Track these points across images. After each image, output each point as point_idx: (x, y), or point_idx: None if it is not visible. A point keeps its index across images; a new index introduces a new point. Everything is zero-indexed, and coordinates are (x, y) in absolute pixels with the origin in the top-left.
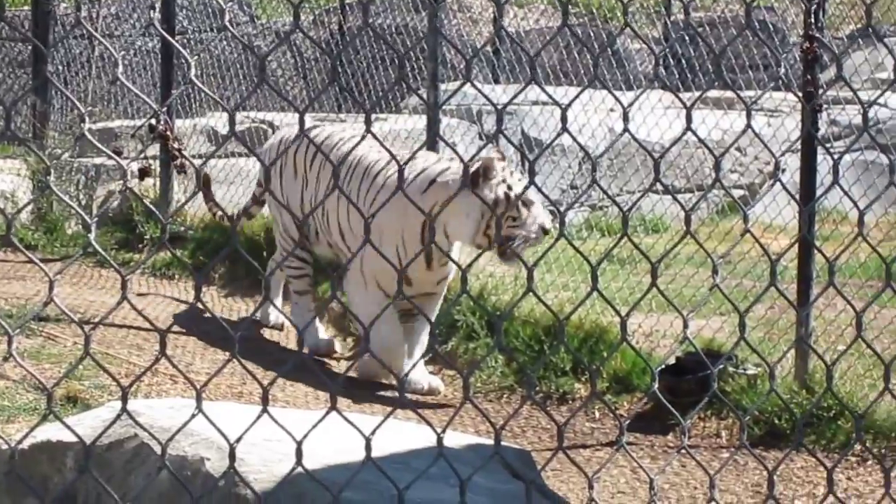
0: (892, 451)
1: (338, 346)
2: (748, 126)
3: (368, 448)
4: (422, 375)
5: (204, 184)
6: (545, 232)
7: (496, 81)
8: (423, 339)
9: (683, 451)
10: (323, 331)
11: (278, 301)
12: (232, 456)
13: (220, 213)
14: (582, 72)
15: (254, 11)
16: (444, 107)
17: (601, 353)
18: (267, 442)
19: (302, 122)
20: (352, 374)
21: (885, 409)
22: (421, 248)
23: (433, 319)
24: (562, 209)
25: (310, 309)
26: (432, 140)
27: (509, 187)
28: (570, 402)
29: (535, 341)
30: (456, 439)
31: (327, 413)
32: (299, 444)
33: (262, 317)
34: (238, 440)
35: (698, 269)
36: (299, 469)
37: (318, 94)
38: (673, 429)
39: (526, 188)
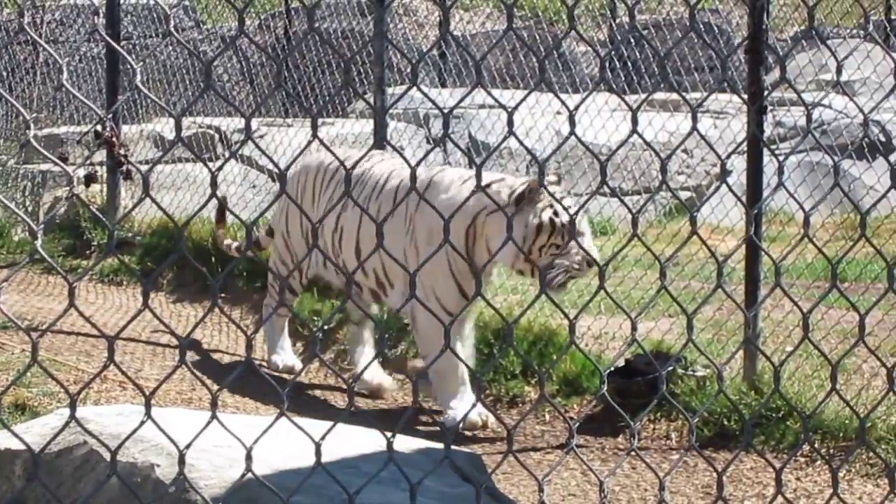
0: (840, 451)
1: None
2: (694, 128)
3: (318, 453)
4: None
5: (219, 210)
6: (589, 265)
7: (443, 85)
8: (471, 347)
9: (633, 453)
10: (289, 345)
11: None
12: (181, 462)
13: (230, 243)
14: (528, 75)
15: (199, 17)
16: (391, 111)
17: (551, 355)
18: (217, 448)
19: (248, 127)
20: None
21: (833, 410)
22: (467, 266)
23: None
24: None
25: (281, 329)
26: (379, 144)
27: (556, 213)
28: (521, 405)
29: (485, 344)
30: (406, 444)
31: (277, 418)
32: (249, 449)
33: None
34: (188, 446)
35: (647, 271)
36: (249, 474)
37: (263, 100)
38: (623, 431)
39: (574, 216)
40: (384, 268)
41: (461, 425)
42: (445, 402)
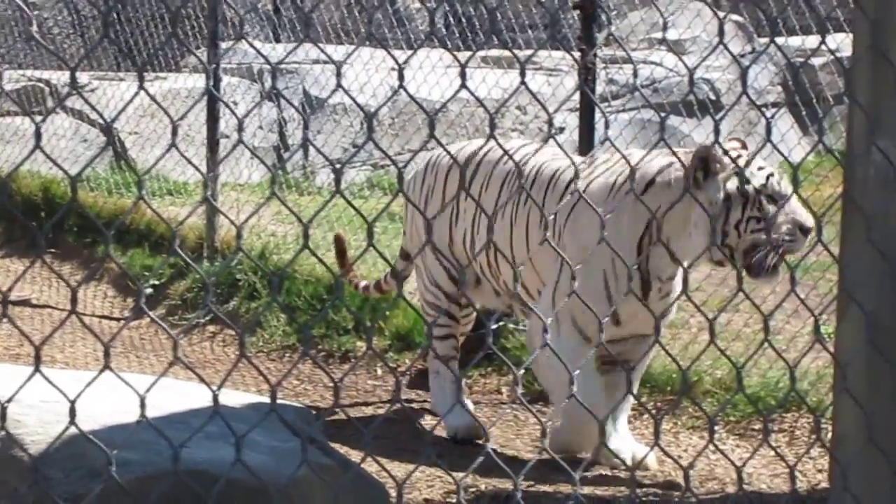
0: (666, 404)
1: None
2: (522, 83)
3: (143, 405)
4: (625, 444)
5: (338, 249)
6: (804, 232)
7: (277, 40)
8: (629, 400)
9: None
10: (471, 406)
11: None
12: (3, 416)
13: (366, 283)
14: (363, 31)
15: None
16: (224, 66)
17: (384, 311)
18: (45, 403)
19: (73, 78)
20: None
21: (661, 364)
22: (634, 274)
23: (641, 372)
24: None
25: (453, 381)
26: (211, 99)
27: (745, 181)
28: (353, 360)
29: (317, 300)
30: (236, 398)
31: (101, 372)
32: (73, 402)
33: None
34: (9, 400)
35: None
36: (75, 430)
37: (88, 51)
38: None
39: (770, 179)
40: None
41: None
42: (572, 446)
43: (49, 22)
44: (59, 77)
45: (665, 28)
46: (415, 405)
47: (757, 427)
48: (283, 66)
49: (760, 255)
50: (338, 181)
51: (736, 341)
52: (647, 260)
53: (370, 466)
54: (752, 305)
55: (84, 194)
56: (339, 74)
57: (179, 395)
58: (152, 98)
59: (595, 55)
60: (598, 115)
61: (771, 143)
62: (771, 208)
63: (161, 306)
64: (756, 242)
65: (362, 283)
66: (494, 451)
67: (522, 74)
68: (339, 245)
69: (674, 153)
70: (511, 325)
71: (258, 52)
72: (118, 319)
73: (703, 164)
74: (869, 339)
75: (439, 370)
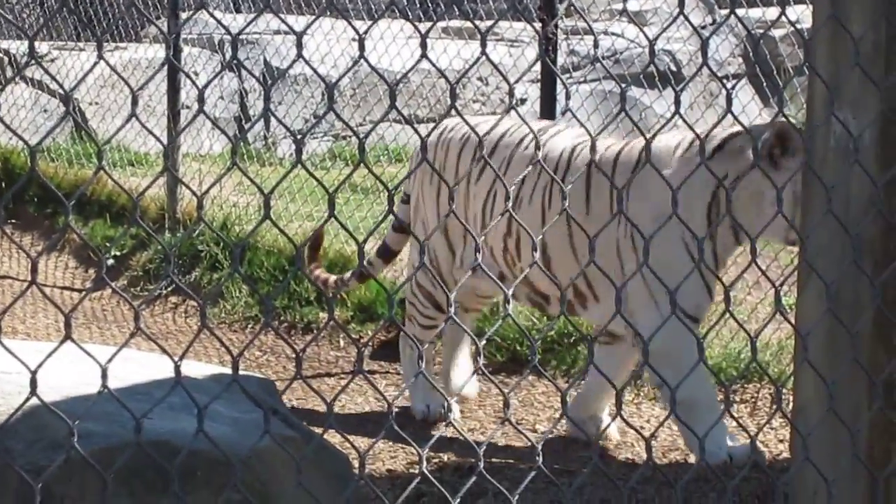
0: (631, 376)
1: (456, 409)
2: (483, 53)
3: (104, 376)
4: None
5: (313, 244)
6: None
7: (237, 11)
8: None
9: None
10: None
11: (464, 362)
12: None
13: (328, 278)
14: (323, 1)
15: None
16: (185, 36)
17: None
18: (6, 374)
19: (32, 47)
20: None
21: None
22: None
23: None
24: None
25: (420, 366)
26: (172, 70)
27: None
28: (315, 331)
29: (279, 271)
30: (199, 369)
31: (62, 342)
32: (34, 373)
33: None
34: None
35: None
36: (37, 401)
37: (46, 20)
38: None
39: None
40: (585, 275)
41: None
42: (720, 445)
43: None
44: (18, 47)
45: None
46: (377, 376)
47: (719, 398)
48: (243, 36)
49: None
50: (299, 152)
51: None
52: (716, 234)
53: (333, 438)
54: (714, 276)
55: (44, 165)
56: (299, 45)
57: (142, 366)
58: (112, 68)
59: (556, 26)
60: (559, 86)
61: (732, 115)
62: None
63: (123, 277)
64: None
65: (331, 278)
66: (457, 422)
67: (483, 45)
68: (316, 241)
69: (742, 125)
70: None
71: (219, 22)
72: (79, 290)
73: (782, 140)
74: (830, 309)
75: (409, 352)
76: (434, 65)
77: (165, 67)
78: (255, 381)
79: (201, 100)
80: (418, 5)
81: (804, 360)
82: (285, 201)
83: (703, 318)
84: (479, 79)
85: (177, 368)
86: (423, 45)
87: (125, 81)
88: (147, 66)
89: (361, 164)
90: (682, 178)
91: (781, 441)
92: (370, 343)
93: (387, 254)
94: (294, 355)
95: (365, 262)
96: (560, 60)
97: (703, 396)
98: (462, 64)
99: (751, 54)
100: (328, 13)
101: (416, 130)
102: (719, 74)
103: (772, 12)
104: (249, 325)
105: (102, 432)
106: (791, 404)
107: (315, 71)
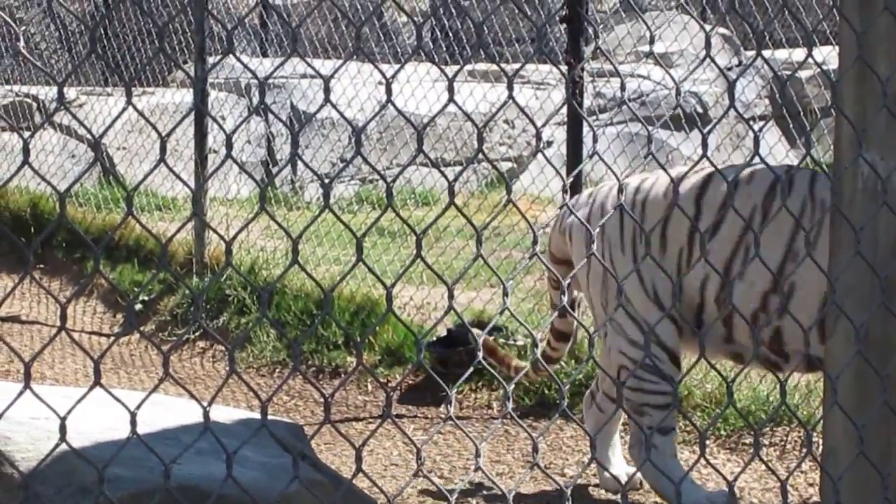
0: None
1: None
2: (510, 97)
3: (133, 422)
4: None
5: (489, 351)
6: None
7: (264, 55)
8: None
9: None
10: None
11: (617, 451)
12: None
13: (517, 364)
14: (350, 45)
15: None
16: (212, 80)
17: (373, 327)
18: (34, 420)
19: (61, 93)
20: None
21: None
22: None
23: None
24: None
25: (674, 454)
26: (199, 114)
27: None
28: (343, 375)
29: (307, 315)
30: (227, 414)
31: (91, 388)
32: (63, 419)
33: (602, 481)
34: None
35: (468, 241)
36: (66, 446)
37: (75, 66)
38: (445, 400)
39: None
40: (779, 330)
41: None
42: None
43: (36, 37)
44: (47, 92)
45: (652, 41)
46: (405, 420)
47: (748, 441)
48: (270, 80)
49: None
50: (326, 196)
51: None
52: None
53: (361, 482)
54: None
55: (73, 210)
56: (326, 89)
57: (170, 411)
58: (140, 113)
59: (582, 69)
60: (585, 128)
61: (759, 157)
62: None
63: (151, 322)
64: None
65: (518, 364)
66: (485, 466)
67: (510, 88)
68: (493, 353)
69: None
70: (501, 340)
71: (246, 66)
72: (108, 335)
73: None
74: (859, 352)
75: (657, 444)
76: (461, 108)
77: (193, 112)
78: (283, 426)
79: (229, 144)
80: (444, 49)
81: (833, 403)
82: (313, 245)
83: None
84: (506, 121)
85: (205, 413)
86: (451, 89)
87: (153, 126)
88: (174, 111)
89: (389, 208)
90: None
91: (811, 485)
92: (398, 387)
93: (563, 338)
94: (322, 399)
95: (547, 348)
96: (586, 103)
97: None
98: (488, 107)
99: (777, 96)
100: (355, 57)
101: (442, 174)
102: (746, 116)
103: (798, 54)
104: (277, 370)
105: (131, 477)
106: (821, 447)
107: (342, 115)
